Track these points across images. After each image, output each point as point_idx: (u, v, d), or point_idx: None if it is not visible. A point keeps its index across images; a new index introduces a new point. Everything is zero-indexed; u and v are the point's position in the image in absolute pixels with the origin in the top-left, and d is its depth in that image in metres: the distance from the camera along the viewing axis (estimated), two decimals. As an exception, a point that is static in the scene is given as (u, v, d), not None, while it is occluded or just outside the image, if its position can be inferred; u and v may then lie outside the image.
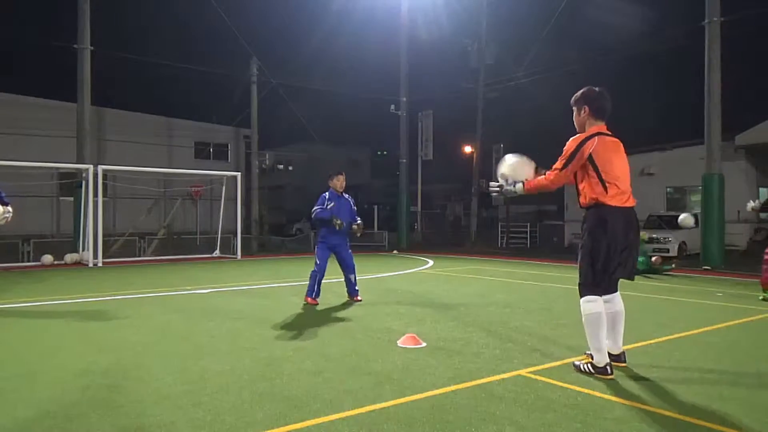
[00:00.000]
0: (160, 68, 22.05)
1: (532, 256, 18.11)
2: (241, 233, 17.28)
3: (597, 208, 4.12)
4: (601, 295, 4.15)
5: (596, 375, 4.07)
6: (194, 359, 4.53)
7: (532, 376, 4.11)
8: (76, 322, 6.25)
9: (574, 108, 4.37)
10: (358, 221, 7.76)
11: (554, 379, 4.00)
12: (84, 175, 14.58)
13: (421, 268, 13.25)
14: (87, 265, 13.76)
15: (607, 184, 4.08)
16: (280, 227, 31.26)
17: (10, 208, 7.56)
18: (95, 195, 14.13)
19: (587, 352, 4.36)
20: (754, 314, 6.92)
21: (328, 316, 6.59)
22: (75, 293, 8.31)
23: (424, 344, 5.05)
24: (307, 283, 7.60)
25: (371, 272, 11.80)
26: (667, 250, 17.20)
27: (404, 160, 23.01)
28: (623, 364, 4.30)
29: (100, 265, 13.76)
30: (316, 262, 7.52)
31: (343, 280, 7.84)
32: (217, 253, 16.96)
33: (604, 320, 4.10)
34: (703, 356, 4.76)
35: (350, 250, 7.75)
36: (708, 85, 13.74)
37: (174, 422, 3.18)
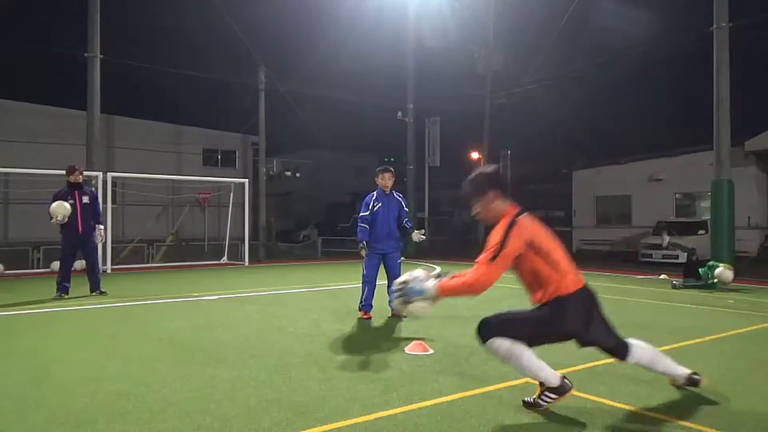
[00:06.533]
0: (168, 76, 22.28)
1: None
2: (249, 240, 17.34)
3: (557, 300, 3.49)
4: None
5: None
6: (201, 366, 4.54)
7: (541, 383, 4.07)
8: (85, 328, 6.29)
9: (477, 198, 3.52)
10: (414, 231, 7.21)
11: (563, 387, 3.97)
12: (93, 182, 14.70)
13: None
14: (96, 271, 13.83)
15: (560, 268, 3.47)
16: (287, 234, 31.33)
17: (102, 227, 7.85)
18: (104, 202, 14.23)
19: None
20: (766, 321, 6.86)
21: (335, 323, 6.58)
22: (83, 300, 8.35)
23: (431, 351, 5.03)
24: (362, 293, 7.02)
25: (378, 279, 11.73)
26: (677, 257, 17.11)
27: (411, 167, 23.03)
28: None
29: (108, 271, 13.83)
30: (363, 272, 7.00)
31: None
32: (224, 259, 17.01)
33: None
34: (714, 364, 4.71)
35: (399, 260, 7.18)
36: (717, 91, 13.66)
37: (181, 429, 3.18)
